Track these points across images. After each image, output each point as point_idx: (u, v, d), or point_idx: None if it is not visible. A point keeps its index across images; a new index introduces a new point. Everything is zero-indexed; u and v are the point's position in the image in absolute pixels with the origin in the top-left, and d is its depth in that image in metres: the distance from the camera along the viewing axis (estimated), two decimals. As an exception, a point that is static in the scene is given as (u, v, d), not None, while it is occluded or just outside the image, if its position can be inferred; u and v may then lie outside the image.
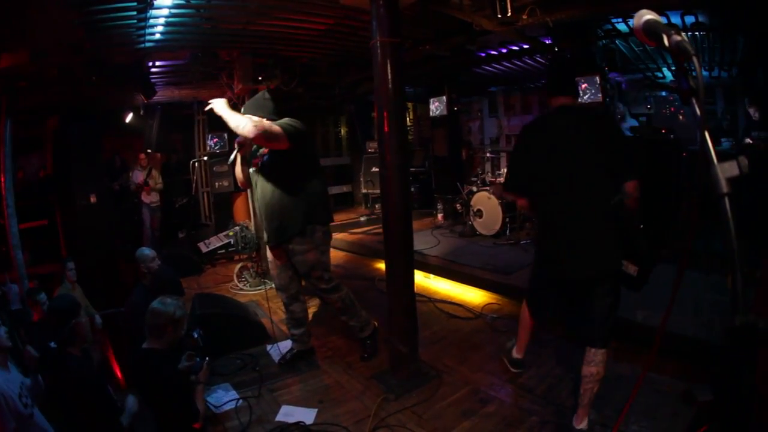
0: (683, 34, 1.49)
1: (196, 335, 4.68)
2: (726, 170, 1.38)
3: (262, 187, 5.24)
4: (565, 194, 3.90)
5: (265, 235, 5.46)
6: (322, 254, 5.36)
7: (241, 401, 4.89)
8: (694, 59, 1.45)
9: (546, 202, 4.07)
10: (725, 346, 1.41)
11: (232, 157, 5.20)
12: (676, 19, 8.00)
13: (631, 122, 12.47)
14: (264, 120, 4.96)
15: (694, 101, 1.49)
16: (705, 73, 12.29)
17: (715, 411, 1.47)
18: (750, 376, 1.37)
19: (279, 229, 5.20)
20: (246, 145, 5.19)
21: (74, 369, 4.09)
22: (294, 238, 5.16)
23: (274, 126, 4.82)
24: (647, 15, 1.66)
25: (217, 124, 13.18)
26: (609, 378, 4.74)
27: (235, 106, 9.69)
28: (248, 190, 7.28)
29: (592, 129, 3.99)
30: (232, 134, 5.38)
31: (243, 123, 4.64)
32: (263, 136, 4.69)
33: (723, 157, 1.41)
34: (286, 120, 5.07)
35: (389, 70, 4.72)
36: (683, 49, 1.46)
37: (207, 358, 4.47)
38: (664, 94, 13.00)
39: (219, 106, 4.83)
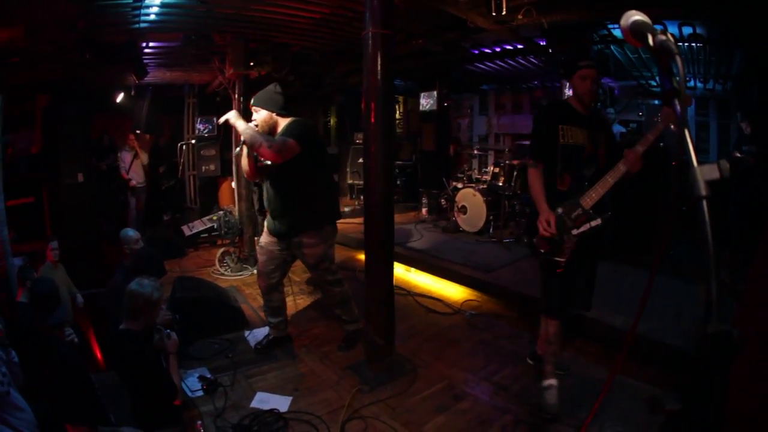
0: (668, 33, 1.48)
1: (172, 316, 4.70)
2: (705, 173, 1.37)
3: (270, 185, 5.23)
4: None
5: (270, 225, 5.42)
6: (330, 247, 5.39)
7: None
8: (677, 59, 1.44)
9: None
10: (697, 355, 1.39)
11: (238, 149, 5.16)
12: (673, 29, 8.00)
13: (618, 128, 12.49)
14: (275, 136, 4.95)
15: (676, 101, 1.48)
16: (699, 84, 12.30)
17: (684, 420, 1.46)
18: (722, 387, 1.35)
19: (289, 225, 5.22)
20: None
21: (59, 354, 4.06)
22: (303, 232, 5.17)
23: (288, 142, 4.76)
24: (635, 15, 1.66)
25: (207, 108, 13.20)
26: (585, 381, 4.77)
27: (225, 90, 9.70)
28: (233, 175, 7.19)
29: None
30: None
31: (258, 142, 4.65)
32: (280, 156, 4.72)
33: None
34: (295, 124, 5.05)
35: (379, 62, 4.71)
36: (667, 48, 1.46)
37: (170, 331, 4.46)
38: (656, 102, 12.99)
39: (233, 117, 4.78)
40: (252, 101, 5.19)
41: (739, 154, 7.11)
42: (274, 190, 5.20)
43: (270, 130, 5.08)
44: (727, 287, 6.12)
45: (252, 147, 4.66)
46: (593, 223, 4.21)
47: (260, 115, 5.06)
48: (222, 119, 4.86)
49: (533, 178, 4.44)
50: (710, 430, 1.41)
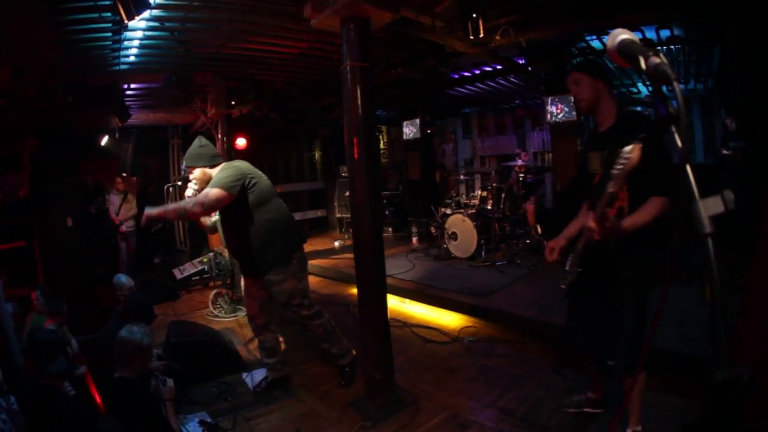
0: (661, 55, 1.43)
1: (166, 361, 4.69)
2: (709, 207, 1.32)
3: (225, 231, 5.32)
4: None
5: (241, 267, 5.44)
6: (299, 281, 5.30)
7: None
8: (675, 84, 1.39)
9: None
10: (709, 403, 1.36)
11: (212, 222, 5.27)
12: (651, 34, 8.06)
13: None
14: (200, 192, 4.95)
15: (673, 129, 1.43)
16: (681, 86, 12.45)
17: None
18: (739, 426, 1.32)
19: (251, 266, 5.22)
20: None
21: (66, 406, 4.01)
22: (269, 270, 5.12)
23: (211, 193, 4.71)
24: (622, 35, 1.61)
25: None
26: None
27: (208, 129, 9.68)
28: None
29: None
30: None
31: (183, 209, 4.69)
32: (209, 209, 4.82)
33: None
34: (220, 172, 5.00)
35: (359, 96, 4.71)
36: (662, 73, 1.40)
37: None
38: (639, 108, 13.10)
39: (151, 211, 4.70)
40: (183, 162, 5.27)
41: (726, 151, 7.13)
42: (229, 233, 5.28)
43: (208, 183, 5.06)
44: (727, 285, 6.09)
45: (181, 218, 4.70)
46: (567, 267, 3.58)
47: (195, 173, 5.10)
48: (143, 221, 4.76)
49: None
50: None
